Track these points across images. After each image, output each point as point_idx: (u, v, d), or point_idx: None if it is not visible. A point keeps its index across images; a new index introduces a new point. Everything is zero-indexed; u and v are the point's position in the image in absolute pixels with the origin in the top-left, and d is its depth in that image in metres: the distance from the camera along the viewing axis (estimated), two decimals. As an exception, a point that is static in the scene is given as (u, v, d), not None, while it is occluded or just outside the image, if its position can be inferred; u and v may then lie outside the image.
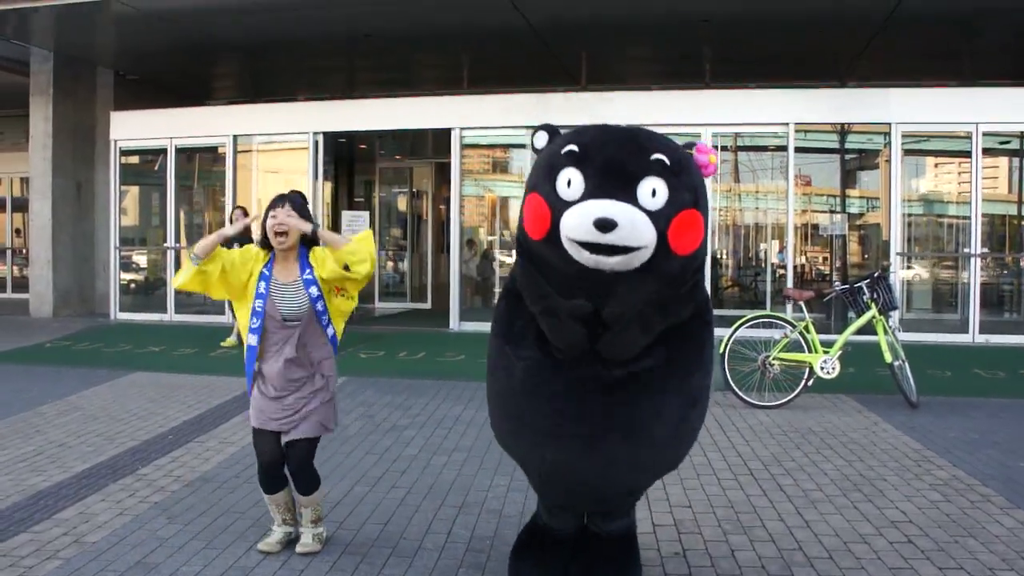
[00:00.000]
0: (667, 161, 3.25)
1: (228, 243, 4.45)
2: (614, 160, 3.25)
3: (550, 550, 3.94)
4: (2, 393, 8.53)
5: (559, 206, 3.25)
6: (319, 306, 4.29)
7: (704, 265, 3.57)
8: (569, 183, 3.25)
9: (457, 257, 13.55)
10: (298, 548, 4.35)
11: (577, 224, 3.18)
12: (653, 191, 3.20)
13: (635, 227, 3.15)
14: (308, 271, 4.28)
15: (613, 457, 3.49)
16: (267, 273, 4.28)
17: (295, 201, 4.30)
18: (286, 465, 4.35)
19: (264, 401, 4.30)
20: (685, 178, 3.30)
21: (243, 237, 7.16)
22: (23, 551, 4.37)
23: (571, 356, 3.42)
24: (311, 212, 4.40)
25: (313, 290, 4.26)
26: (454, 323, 13.28)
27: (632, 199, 3.19)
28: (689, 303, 3.51)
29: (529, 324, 3.53)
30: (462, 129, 13.51)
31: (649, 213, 3.19)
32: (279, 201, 4.28)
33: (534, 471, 3.76)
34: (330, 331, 4.38)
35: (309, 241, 4.34)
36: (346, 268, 4.22)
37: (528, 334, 3.53)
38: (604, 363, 3.42)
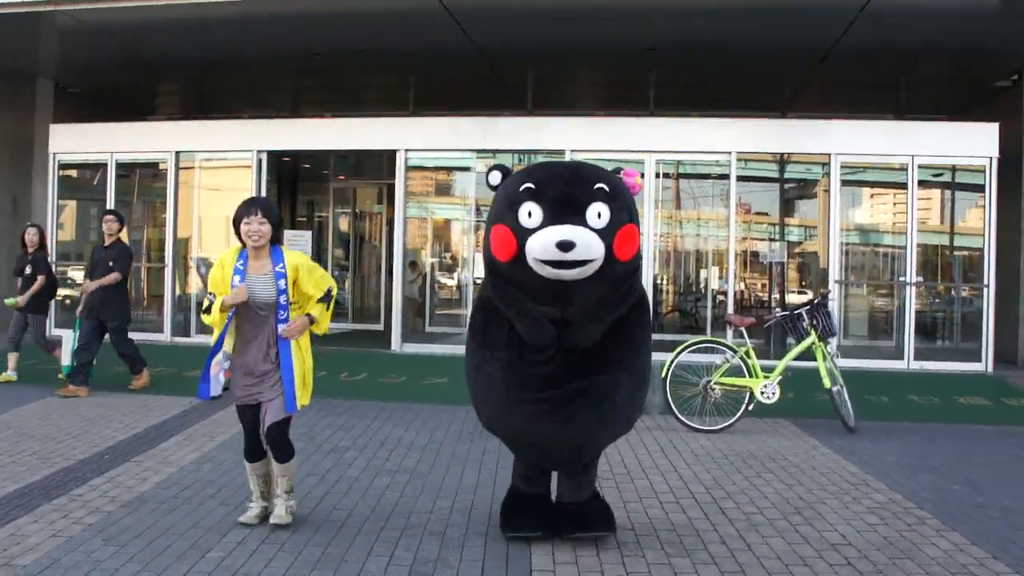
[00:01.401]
0: (607, 188, 4.27)
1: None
2: (565, 192, 4.22)
3: (532, 506, 4.87)
4: (-70, 411, 8.27)
5: (523, 233, 4.21)
6: (282, 299, 4.84)
7: (640, 268, 4.68)
8: (530, 214, 4.22)
9: (400, 278, 13.48)
10: (272, 519, 4.92)
11: (541, 247, 4.14)
12: (599, 214, 4.21)
13: (589, 244, 4.14)
14: (280, 265, 4.87)
15: (582, 418, 4.42)
16: (240, 267, 4.84)
17: (264, 206, 4.92)
18: (264, 439, 4.95)
19: (239, 382, 4.94)
20: (621, 200, 4.32)
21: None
22: (-49, 573, 4.24)
23: (542, 350, 4.37)
24: (278, 212, 5.06)
25: (282, 283, 4.84)
26: (396, 345, 13.20)
27: (583, 222, 4.17)
28: (629, 297, 4.50)
29: (500, 331, 4.48)
30: (407, 151, 13.49)
31: (597, 231, 4.18)
32: (250, 207, 4.89)
33: (519, 439, 4.70)
34: (280, 328, 4.88)
35: (278, 238, 5.00)
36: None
37: (500, 339, 4.48)
38: (564, 355, 4.38)
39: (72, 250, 16.22)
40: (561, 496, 4.94)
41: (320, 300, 4.97)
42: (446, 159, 14.47)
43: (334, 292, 5.07)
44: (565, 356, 4.39)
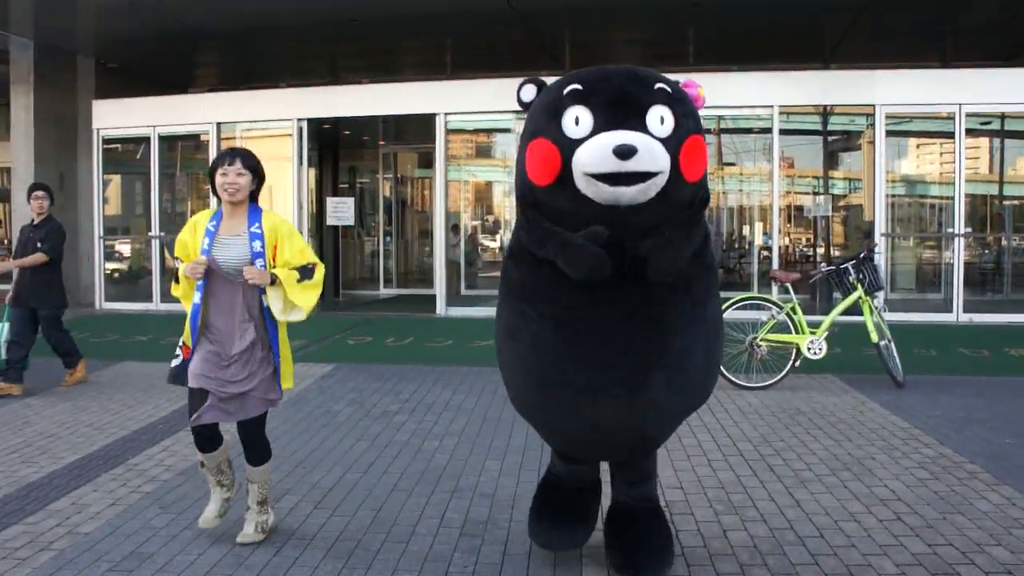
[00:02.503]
0: (669, 90, 3.35)
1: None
2: (621, 92, 3.30)
3: (566, 508, 4.03)
4: (-11, 385, 8.48)
5: (569, 145, 3.26)
6: (258, 263, 4.18)
7: (708, 197, 3.63)
8: (577, 120, 3.27)
9: (442, 242, 13.54)
10: (239, 538, 4.28)
11: (594, 156, 3.20)
12: (661, 119, 3.26)
13: (653, 152, 3.19)
14: (257, 225, 4.24)
15: (655, 395, 3.46)
16: (212, 229, 4.23)
17: (244, 155, 4.29)
18: (240, 438, 4.40)
19: (206, 365, 4.20)
20: (688, 105, 3.39)
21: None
22: (16, 543, 4.37)
23: (596, 282, 3.33)
24: (261, 166, 4.39)
25: (257, 244, 4.20)
26: (441, 308, 13.29)
27: (643, 128, 3.24)
28: (697, 233, 3.50)
29: (542, 283, 3.47)
30: (446, 114, 13.50)
31: (660, 140, 3.24)
32: (229, 157, 4.26)
33: (568, 422, 3.63)
34: (264, 299, 4.24)
35: (255, 194, 4.37)
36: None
37: (544, 293, 3.48)
38: (627, 303, 3.39)
39: (118, 224, 16.47)
40: (616, 493, 4.01)
41: (299, 271, 4.24)
42: (485, 122, 14.44)
43: (319, 272, 4.29)
44: (629, 307, 3.40)
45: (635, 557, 3.78)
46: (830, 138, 14.73)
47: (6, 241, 18.77)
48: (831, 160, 14.84)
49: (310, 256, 4.31)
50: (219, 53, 16.44)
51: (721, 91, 12.68)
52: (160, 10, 12.67)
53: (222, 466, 4.43)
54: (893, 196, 13.22)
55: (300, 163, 14.04)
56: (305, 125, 13.98)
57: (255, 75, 17.19)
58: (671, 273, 3.36)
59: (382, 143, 17.93)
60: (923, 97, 12.39)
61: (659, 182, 3.23)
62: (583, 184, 3.25)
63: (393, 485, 5.28)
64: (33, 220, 8.60)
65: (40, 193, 8.56)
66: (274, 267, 4.21)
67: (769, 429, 6.59)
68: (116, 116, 14.83)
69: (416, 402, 7.63)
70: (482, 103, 13.51)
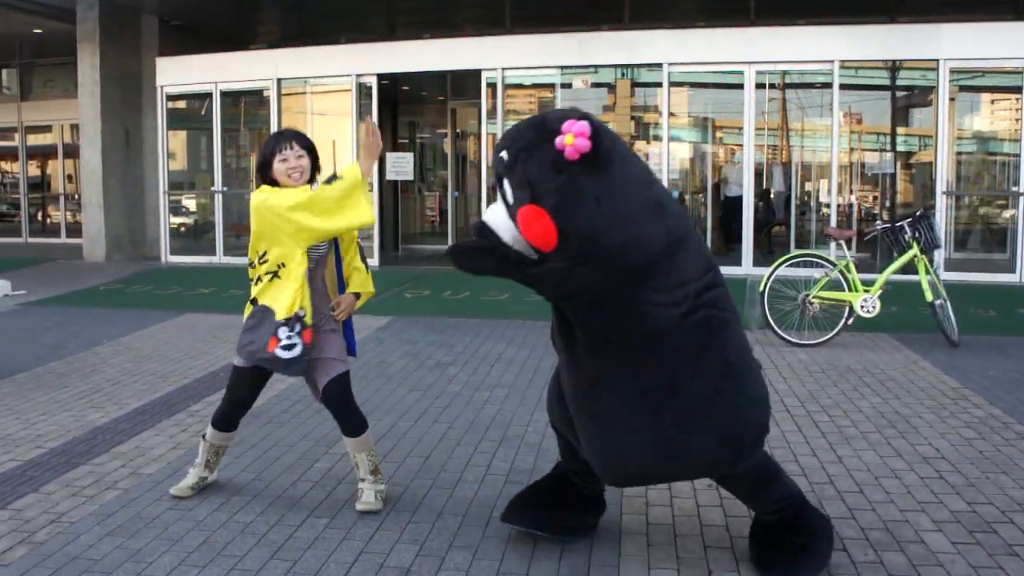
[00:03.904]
0: (505, 157, 3.25)
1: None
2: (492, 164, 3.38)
3: (555, 499, 3.86)
4: (60, 334, 8.82)
5: None
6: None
7: (619, 250, 3.17)
8: None
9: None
10: (359, 506, 4.17)
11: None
12: (507, 190, 3.26)
13: (494, 225, 3.33)
14: None
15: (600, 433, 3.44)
16: None
17: (298, 137, 4.17)
18: (330, 407, 4.23)
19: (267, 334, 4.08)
20: (520, 174, 3.18)
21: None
22: (84, 481, 4.60)
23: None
24: (315, 145, 4.26)
25: None
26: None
27: (504, 198, 3.30)
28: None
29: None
30: (503, 69, 13.52)
31: (509, 210, 3.26)
32: (283, 139, 4.12)
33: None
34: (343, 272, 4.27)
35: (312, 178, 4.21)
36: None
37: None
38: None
39: (184, 179, 16.81)
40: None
41: (363, 261, 4.32)
42: (543, 76, 14.40)
43: (347, 171, 4.03)
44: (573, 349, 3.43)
45: (764, 567, 3.58)
46: (896, 94, 14.45)
47: (76, 196, 19.27)
48: (895, 116, 14.57)
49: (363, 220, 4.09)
50: (279, 10, 16.60)
51: (780, 45, 12.55)
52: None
53: (220, 451, 4.44)
54: (959, 153, 12.96)
55: (358, 118, 14.19)
56: (373, 80, 14.09)
57: (314, 31, 17.31)
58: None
59: (440, 98, 17.97)
60: (989, 51, 12.07)
61: (518, 247, 3.26)
62: None
63: (443, 434, 5.42)
64: None
65: None
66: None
67: (817, 386, 6.61)
68: (179, 73, 15.08)
69: (469, 354, 7.76)
70: (539, 58, 13.50)
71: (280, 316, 4.02)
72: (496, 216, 3.32)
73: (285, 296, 4.03)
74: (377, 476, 4.28)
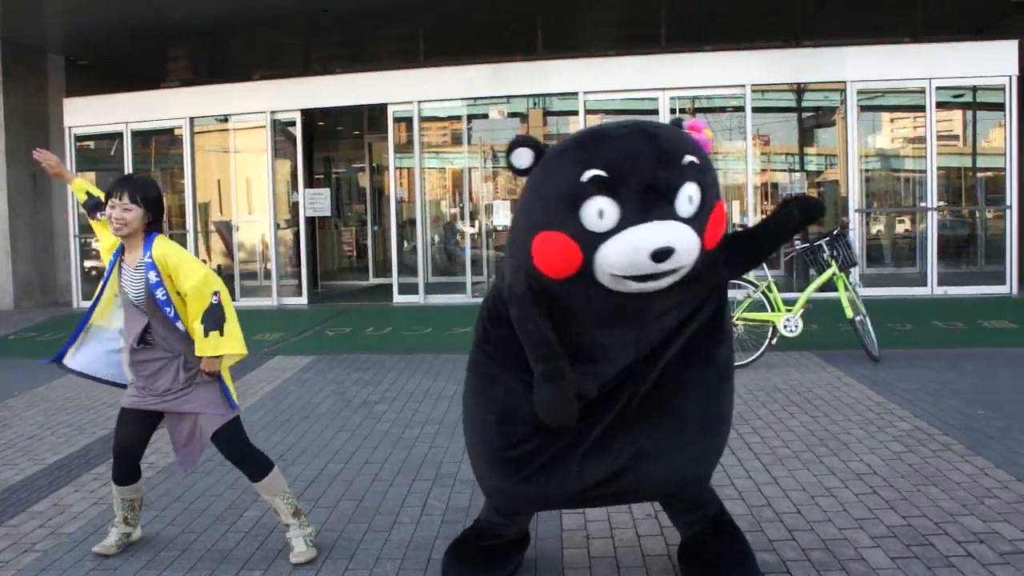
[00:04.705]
0: (697, 161, 3.01)
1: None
2: (653, 180, 2.92)
3: (487, 553, 3.71)
4: (-32, 387, 8.46)
5: (591, 241, 2.93)
6: (159, 294, 3.89)
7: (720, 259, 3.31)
8: (601, 214, 2.91)
9: (421, 230, 13.56)
10: (292, 558, 3.99)
11: (625, 258, 2.91)
12: (690, 197, 2.96)
13: (691, 248, 2.95)
14: (148, 255, 3.92)
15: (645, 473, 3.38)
16: (113, 260, 4.08)
17: (133, 187, 3.93)
18: (223, 454, 4.10)
19: (135, 385, 4.07)
20: (712, 172, 3.08)
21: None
22: (-1, 544, 4.38)
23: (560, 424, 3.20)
24: (157, 195, 4.03)
25: (152, 275, 3.88)
26: (420, 296, 13.29)
27: (673, 213, 2.94)
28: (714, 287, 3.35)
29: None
30: (419, 102, 13.49)
31: (687, 221, 2.96)
32: (118, 188, 3.93)
33: (550, 502, 3.56)
34: (180, 326, 3.94)
35: (152, 225, 4.01)
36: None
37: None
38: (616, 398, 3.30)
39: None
40: (680, 531, 3.77)
41: (203, 322, 3.88)
42: (458, 109, 14.39)
43: (224, 302, 3.93)
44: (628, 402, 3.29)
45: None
46: (804, 115, 14.79)
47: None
48: (805, 136, 14.91)
49: (209, 284, 3.91)
50: (190, 47, 16.33)
51: (693, 71, 12.75)
52: (128, 5, 12.57)
53: (135, 504, 4.24)
54: (867, 171, 13.30)
55: (274, 155, 14.02)
56: (298, 116, 13.96)
57: (227, 68, 17.08)
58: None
59: (356, 132, 17.86)
60: (894, 72, 12.46)
61: (688, 268, 3.03)
62: (607, 280, 2.99)
63: (375, 475, 5.31)
64: None
65: None
66: (177, 294, 3.92)
67: (747, 407, 6.65)
68: (88, 113, 14.72)
69: (396, 391, 7.65)
70: (457, 90, 13.51)
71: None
72: (687, 234, 2.94)
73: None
74: (300, 519, 4.10)
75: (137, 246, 3.97)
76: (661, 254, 2.86)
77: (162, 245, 3.96)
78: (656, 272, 2.92)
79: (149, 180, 4.15)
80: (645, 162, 2.93)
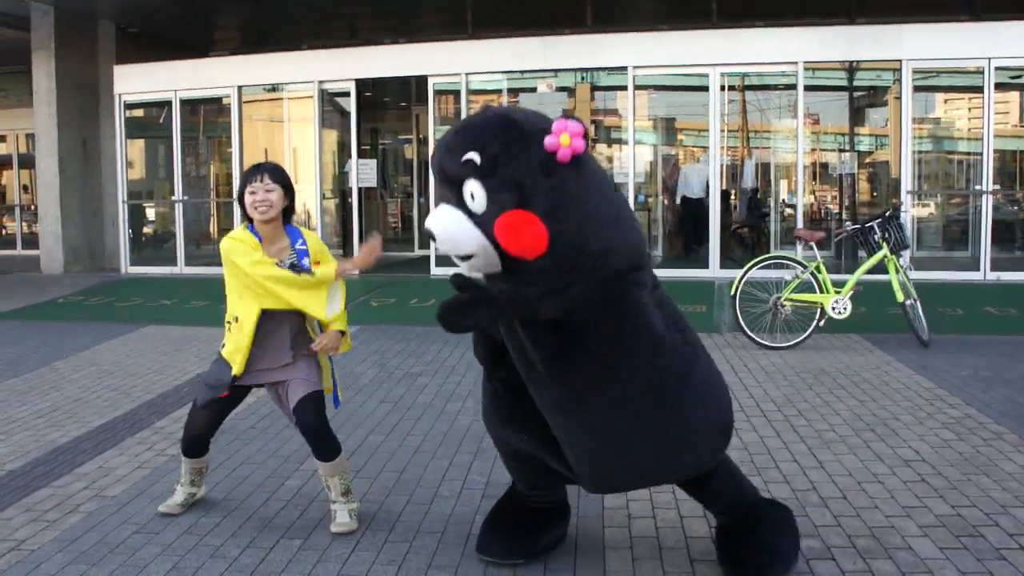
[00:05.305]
0: (477, 160, 2.98)
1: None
2: (439, 166, 3.12)
3: (522, 524, 3.73)
4: (17, 349, 8.59)
5: None
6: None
7: (601, 256, 3.07)
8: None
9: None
10: (333, 527, 4.01)
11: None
12: (472, 195, 2.99)
13: (451, 238, 3.05)
14: (301, 242, 4.08)
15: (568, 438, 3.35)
16: None
17: (272, 170, 4.05)
18: (300, 428, 4.07)
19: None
20: (503, 176, 2.96)
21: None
22: (46, 505, 4.43)
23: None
24: (291, 181, 4.14)
25: (306, 261, 4.03)
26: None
27: (461, 204, 3.03)
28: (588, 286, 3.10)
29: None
30: (468, 75, 13.41)
31: (474, 217, 3.00)
32: (256, 173, 4.02)
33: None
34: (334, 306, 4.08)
35: (287, 211, 4.13)
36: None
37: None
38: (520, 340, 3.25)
39: (143, 188, 16.53)
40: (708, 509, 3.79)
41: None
42: (506, 81, 14.30)
43: (342, 292, 4.17)
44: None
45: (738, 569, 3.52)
46: (856, 94, 14.52)
47: (32, 207, 18.92)
48: (857, 116, 14.65)
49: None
50: (238, 16, 16.37)
51: (744, 47, 12.54)
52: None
53: (202, 470, 4.39)
54: (920, 152, 13.04)
55: (321, 125, 14.03)
56: (352, 86, 13.94)
57: (275, 37, 17.11)
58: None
59: (403, 104, 17.82)
60: (951, 51, 12.14)
61: (481, 262, 3.08)
62: None
63: (416, 447, 5.30)
64: None
65: None
66: None
67: (793, 390, 6.56)
68: (137, 81, 14.82)
69: (439, 364, 7.64)
70: (505, 63, 13.42)
71: (235, 371, 4.01)
72: (452, 224, 3.03)
73: (238, 352, 4.01)
74: (349, 496, 4.12)
75: (279, 236, 4.07)
76: (428, 235, 3.09)
77: (312, 235, 4.18)
78: (440, 252, 3.08)
79: (281, 166, 4.19)
80: (438, 151, 3.14)
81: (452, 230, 3.02)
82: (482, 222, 2.99)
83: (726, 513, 3.63)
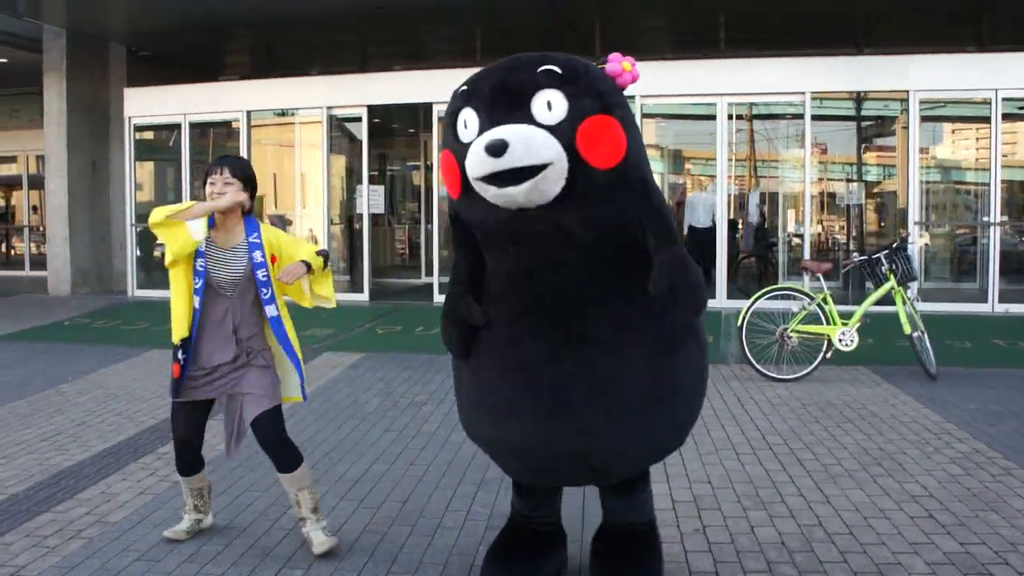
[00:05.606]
0: (559, 70, 3.03)
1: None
2: (499, 85, 3.05)
3: (525, 551, 3.70)
4: (23, 371, 8.59)
5: (462, 151, 3.05)
6: (261, 275, 4.02)
7: (648, 180, 3.22)
8: (466, 124, 3.07)
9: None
10: (315, 549, 4.01)
11: (472, 159, 2.97)
12: (548, 104, 2.97)
13: (527, 143, 2.90)
14: (255, 235, 4.06)
15: (582, 425, 3.22)
16: (202, 248, 3.99)
17: (233, 164, 4.07)
18: (260, 443, 4.09)
19: (190, 378, 4.05)
20: (583, 83, 3.04)
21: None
22: (46, 530, 4.41)
23: (518, 293, 3.29)
24: (254, 176, 4.15)
25: (257, 255, 4.02)
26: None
27: (528, 118, 2.96)
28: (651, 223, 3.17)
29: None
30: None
31: (549, 128, 2.95)
32: (218, 165, 4.05)
33: (503, 453, 3.57)
34: (271, 311, 4.08)
35: (249, 207, 4.13)
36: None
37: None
38: (549, 318, 3.23)
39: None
40: (608, 516, 3.75)
41: (319, 254, 4.20)
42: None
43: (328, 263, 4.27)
44: (551, 322, 3.25)
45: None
46: (863, 124, 14.54)
47: (41, 228, 18.97)
48: (864, 146, 14.66)
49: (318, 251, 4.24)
50: (249, 41, 16.46)
51: (751, 77, 12.57)
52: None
53: (203, 492, 4.35)
54: (927, 183, 13.02)
55: (329, 151, 14.08)
56: (364, 112, 14.00)
57: (285, 63, 17.21)
58: (698, 300, 3.19)
59: (411, 130, 17.89)
60: (958, 82, 12.15)
61: (553, 175, 2.95)
62: (479, 189, 3.03)
63: (420, 477, 5.28)
64: None
65: None
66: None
67: (799, 422, 6.52)
68: (147, 104, 14.90)
69: (444, 392, 7.61)
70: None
71: (174, 339, 4.00)
72: (528, 130, 2.92)
73: (176, 316, 4.01)
74: (318, 513, 4.12)
75: (234, 227, 4.06)
76: (493, 147, 2.88)
77: (269, 230, 4.16)
78: (499, 170, 2.90)
79: (246, 160, 4.27)
80: (496, 71, 3.13)
81: (528, 136, 2.92)
82: (560, 129, 2.96)
83: (629, 527, 3.65)
